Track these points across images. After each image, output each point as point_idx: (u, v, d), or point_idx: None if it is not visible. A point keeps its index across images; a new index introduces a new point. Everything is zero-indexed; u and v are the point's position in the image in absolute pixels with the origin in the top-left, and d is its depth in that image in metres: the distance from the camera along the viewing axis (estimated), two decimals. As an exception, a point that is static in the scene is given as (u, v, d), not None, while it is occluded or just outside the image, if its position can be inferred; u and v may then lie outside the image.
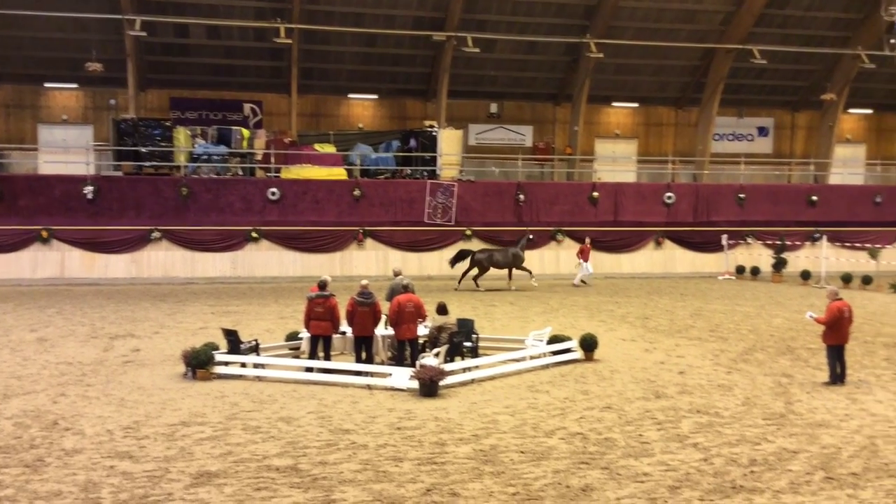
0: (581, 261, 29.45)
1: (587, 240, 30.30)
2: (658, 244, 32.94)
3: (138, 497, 8.65)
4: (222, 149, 31.41)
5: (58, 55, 34.32)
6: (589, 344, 16.01)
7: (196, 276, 29.59)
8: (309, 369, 14.32)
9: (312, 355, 14.62)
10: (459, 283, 27.75)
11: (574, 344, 16.00)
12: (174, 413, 11.97)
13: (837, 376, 14.03)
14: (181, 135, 31.28)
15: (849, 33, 37.54)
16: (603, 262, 32.13)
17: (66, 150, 33.57)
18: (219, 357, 14.37)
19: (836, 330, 13.95)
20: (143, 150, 30.76)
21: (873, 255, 29.02)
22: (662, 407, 12.55)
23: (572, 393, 13.40)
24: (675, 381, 14.22)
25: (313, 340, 14.60)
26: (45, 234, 28.53)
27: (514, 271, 28.09)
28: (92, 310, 22.66)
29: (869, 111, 42.45)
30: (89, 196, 28.94)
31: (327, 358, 14.59)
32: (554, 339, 16.05)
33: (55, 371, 14.78)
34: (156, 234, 29.14)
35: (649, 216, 33.29)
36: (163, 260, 29.44)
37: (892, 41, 33.49)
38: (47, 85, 35.73)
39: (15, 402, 12.50)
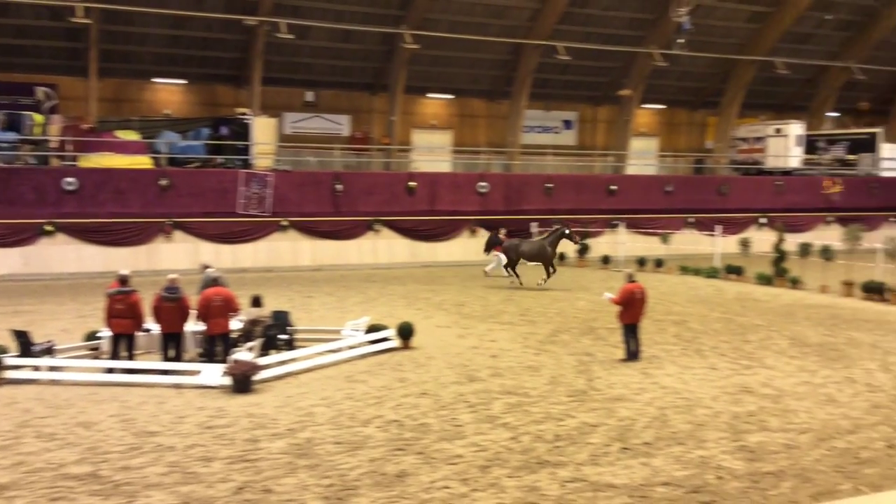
0: (495, 252, 28.40)
1: (502, 231, 29.47)
2: (472, 232, 33.84)
3: (-90, 519, 7.84)
4: (12, 135, 28.88)
5: None
6: (406, 332, 16.24)
7: (-17, 273, 27.06)
8: (110, 370, 13.53)
9: (115, 355, 13.82)
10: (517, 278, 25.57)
11: (391, 333, 16.16)
12: (-45, 424, 10.93)
13: (632, 353, 15.09)
14: (-36, 120, 28.45)
15: (643, 33, 40.20)
16: (420, 251, 32.66)
17: None
18: (7, 361, 13.26)
19: (629, 310, 15.01)
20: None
21: (665, 240, 31.38)
22: (475, 390, 12.96)
23: (389, 381, 13.54)
24: (488, 365, 14.72)
25: (115, 340, 13.80)
26: None
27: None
28: None
29: (661, 107, 45.76)
30: None
31: (131, 357, 13.84)
32: (371, 329, 16.14)
33: None
34: (-67, 229, 26.37)
35: (464, 205, 34.12)
36: (-58, 257, 26.69)
37: (680, 41, 36.23)
38: None
39: None
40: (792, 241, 27.86)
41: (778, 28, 40.41)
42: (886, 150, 43.24)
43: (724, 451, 10.14)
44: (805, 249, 26.34)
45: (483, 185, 34.37)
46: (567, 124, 44.14)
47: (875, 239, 28.93)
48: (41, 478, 8.98)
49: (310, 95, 38.50)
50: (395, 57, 36.92)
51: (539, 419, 11.41)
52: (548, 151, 38.77)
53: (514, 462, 9.69)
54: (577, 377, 13.85)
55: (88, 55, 32.84)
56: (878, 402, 12.45)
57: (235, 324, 14.67)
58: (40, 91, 33.11)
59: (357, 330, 16.08)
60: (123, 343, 13.73)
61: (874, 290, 23.07)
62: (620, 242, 32.82)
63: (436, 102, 41.47)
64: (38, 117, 29.92)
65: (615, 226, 34.94)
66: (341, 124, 39.55)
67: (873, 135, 43.26)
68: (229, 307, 14.00)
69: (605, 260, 31.94)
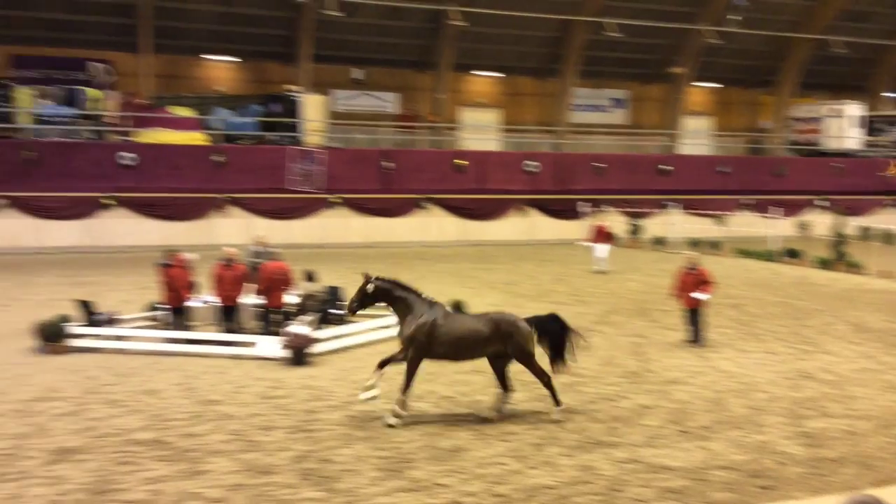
0: (593, 244, 24.24)
1: (602, 218, 26.89)
2: (522, 212, 33.70)
3: (-10, 478, 8.15)
4: (71, 111, 29.53)
5: None
6: (458, 310, 16.21)
7: (45, 245, 27.79)
8: (173, 340, 13.80)
9: (178, 326, 14.08)
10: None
11: (444, 310, 16.13)
12: (27, 388, 11.32)
13: (694, 337, 14.74)
14: (23, 95, 29.12)
15: (695, 9, 39.36)
16: (470, 230, 32.65)
17: None
18: (74, 329, 13.64)
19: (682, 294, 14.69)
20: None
21: (719, 221, 30.88)
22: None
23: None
24: (540, 344, 14.66)
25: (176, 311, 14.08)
26: None
27: None
28: (-75, 283, 20.92)
29: (715, 85, 44.84)
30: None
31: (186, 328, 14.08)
32: (422, 305, 16.13)
33: None
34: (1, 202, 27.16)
35: (513, 184, 33.99)
36: (9, 228, 27.45)
37: (731, 17, 35.32)
38: None
39: None
40: (850, 224, 27.20)
41: (834, 5, 39.22)
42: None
43: (783, 437, 10.01)
44: (865, 233, 25.67)
45: (532, 164, 34.17)
46: (618, 102, 43.53)
47: (937, 223, 28.12)
48: (109, 443, 9.25)
49: (358, 73, 38.56)
50: (442, 34, 36.71)
51: (593, 399, 11.39)
52: (597, 130, 38.32)
53: (567, 441, 9.69)
54: (631, 358, 13.77)
55: (141, 31, 33.26)
56: (942, 390, 12.16)
57: (290, 298, 14.86)
58: (96, 67, 33.64)
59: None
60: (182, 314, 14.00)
61: (935, 276, 22.46)
62: (672, 224, 32.38)
63: (483, 80, 41.22)
64: (93, 92, 30.50)
65: (665, 206, 34.49)
66: (389, 102, 39.58)
67: (936, 116, 41.97)
68: (287, 282, 14.20)
69: (658, 241, 31.57)
